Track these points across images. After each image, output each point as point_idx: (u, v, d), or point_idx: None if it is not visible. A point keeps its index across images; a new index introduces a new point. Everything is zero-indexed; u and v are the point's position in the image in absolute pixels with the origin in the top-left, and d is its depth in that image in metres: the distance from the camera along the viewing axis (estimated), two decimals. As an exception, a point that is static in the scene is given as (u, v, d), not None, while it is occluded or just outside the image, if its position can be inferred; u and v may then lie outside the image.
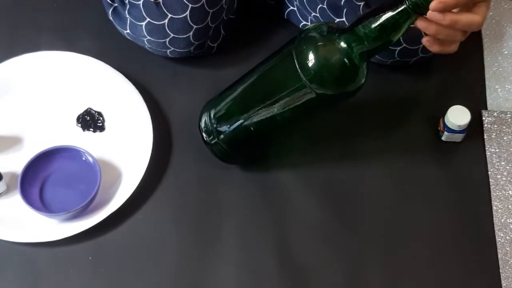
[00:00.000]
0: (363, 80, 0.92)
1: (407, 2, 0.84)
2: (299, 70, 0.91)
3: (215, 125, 1.02)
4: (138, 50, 1.16)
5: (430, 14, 0.83)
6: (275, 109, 0.96)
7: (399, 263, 1.03)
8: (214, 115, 1.02)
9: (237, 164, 1.09)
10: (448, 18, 0.83)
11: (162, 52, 1.14)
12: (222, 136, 1.02)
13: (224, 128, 1.02)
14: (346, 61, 0.90)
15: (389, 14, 0.86)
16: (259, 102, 0.97)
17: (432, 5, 0.82)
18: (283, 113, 0.96)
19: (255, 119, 0.98)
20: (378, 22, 0.87)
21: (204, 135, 1.04)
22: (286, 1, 1.20)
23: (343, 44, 0.89)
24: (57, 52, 1.16)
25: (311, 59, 0.90)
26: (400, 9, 0.85)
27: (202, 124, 1.04)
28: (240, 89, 1.00)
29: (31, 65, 1.15)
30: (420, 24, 0.86)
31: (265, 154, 1.10)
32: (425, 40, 0.88)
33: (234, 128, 1.01)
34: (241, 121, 0.99)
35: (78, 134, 1.12)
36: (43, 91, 1.15)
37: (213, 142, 1.03)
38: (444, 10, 0.83)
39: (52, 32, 1.21)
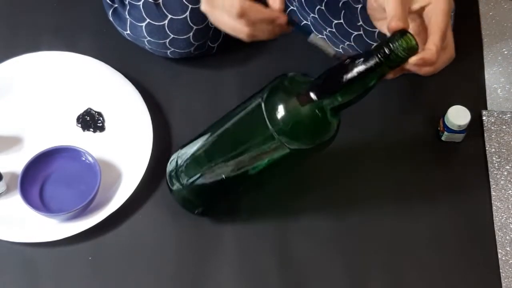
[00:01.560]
0: (333, 133, 0.88)
1: (379, 57, 0.80)
2: (268, 122, 0.86)
3: (181, 173, 0.98)
4: (138, 50, 1.16)
5: (409, 66, 0.82)
6: (242, 161, 0.92)
7: (399, 262, 1.03)
8: (182, 162, 0.98)
9: (204, 216, 1.05)
10: (425, 70, 0.83)
11: (162, 53, 1.14)
12: (187, 184, 0.98)
13: (191, 177, 0.97)
14: (317, 116, 0.86)
15: (360, 68, 0.82)
16: (227, 153, 0.93)
17: (412, 60, 0.81)
18: (251, 166, 0.92)
19: (222, 171, 0.94)
20: (348, 78, 0.82)
21: (169, 180, 1.01)
22: (286, 1, 1.20)
23: (314, 99, 0.85)
24: (57, 52, 1.16)
25: (281, 112, 0.85)
26: (372, 64, 0.81)
27: (169, 169, 1.01)
28: (209, 137, 0.96)
29: (31, 65, 1.15)
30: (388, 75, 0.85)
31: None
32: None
33: (201, 179, 0.96)
34: (209, 171, 0.95)
35: (78, 134, 1.12)
36: (43, 91, 1.15)
37: (176, 188, 1.00)
38: (425, 65, 0.82)
39: (52, 32, 1.21)
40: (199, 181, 0.97)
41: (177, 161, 0.99)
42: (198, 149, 0.97)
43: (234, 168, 0.93)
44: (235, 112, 0.93)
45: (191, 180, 0.97)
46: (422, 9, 0.86)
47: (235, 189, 0.98)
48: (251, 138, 0.90)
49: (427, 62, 0.82)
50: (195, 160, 0.97)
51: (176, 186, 1.00)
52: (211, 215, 1.05)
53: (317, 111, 0.86)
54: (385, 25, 0.82)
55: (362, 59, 0.82)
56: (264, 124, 0.87)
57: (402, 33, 0.80)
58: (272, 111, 0.86)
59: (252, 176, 0.93)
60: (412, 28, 0.84)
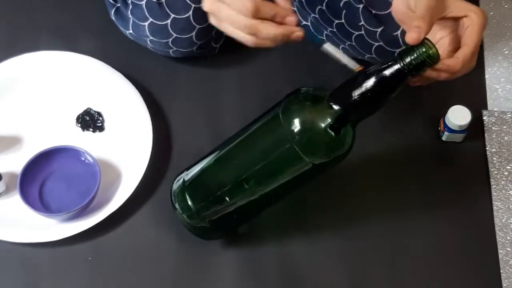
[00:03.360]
0: (349, 145, 0.87)
1: (403, 65, 0.79)
2: (288, 138, 0.85)
3: (189, 195, 0.96)
4: (138, 50, 1.16)
5: (430, 72, 0.83)
6: (257, 179, 0.90)
7: (399, 263, 1.03)
8: (188, 183, 0.96)
9: (212, 240, 1.03)
10: (444, 76, 0.84)
11: (165, 52, 1.14)
12: (198, 209, 0.95)
13: (200, 199, 0.95)
14: (336, 130, 0.84)
15: (382, 78, 0.81)
16: (242, 172, 0.91)
17: (438, 66, 0.82)
18: (266, 185, 0.90)
19: (238, 190, 0.92)
20: (370, 90, 0.81)
21: (174, 202, 0.98)
22: (286, 1, 1.19)
23: (332, 115, 0.84)
24: (56, 52, 1.16)
25: (299, 126, 0.84)
26: (395, 72, 0.80)
27: (174, 189, 0.98)
28: (219, 156, 0.93)
29: (31, 65, 1.15)
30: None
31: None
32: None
33: (213, 200, 0.94)
34: (220, 192, 0.93)
35: (77, 134, 1.11)
36: (43, 91, 1.14)
37: (185, 213, 0.97)
38: (447, 72, 0.84)
39: (52, 31, 1.21)
40: (209, 205, 0.95)
41: (184, 181, 0.97)
42: (207, 170, 0.95)
43: (247, 189, 0.91)
44: (249, 128, 0.91)
45: (199, 204, 0.95)
46: (456, 19, 0.87)
47: (246, 211, 0.95)
48: (269, 152, 0.88)
49: (451, 70, 0.83)
50: (204, 182, 0.96)
51: (182, 208, 0.97)
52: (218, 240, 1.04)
53: (336, 124, 0.84)
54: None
55: (381, 69, 0.81)
56: (283, 137, 0.85)
57: (422, 40, 0.80)
58: (290, 123, 0.85)
59: (264, 196, 0.92)
60: (441, 35, 0.87)
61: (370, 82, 0.81)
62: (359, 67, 0.85)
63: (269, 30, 0.84)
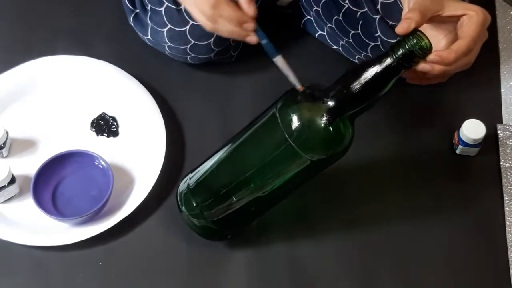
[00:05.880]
0: (348, 141, 0.87)
1: (395, 57, 0.81)
2: (284, 133, 0.85)
3: (193, 195, 0.96)
4: (154, 56, 1.17)
5: (423, 65, 0.84)
6: (257, 178, 0.91)
7: (409, 269, 1.03)
8: (192, 184, 0.97)
9: (218, 241, 1.03)
10: (438, 68, 0.85)
11: (183, 58, 1.14)
12: (202, 209, 0.96)
13: (204, 199, 0.96)
14: (332, 126, 0.85)
15: (376, 71, 0.81)
16: (242, 170, 0.91)
17: (429, 57, 0.83)
18: (266, 183, 0.91)
19: (236, 191, 0.92)
20: (363, 83, 0.82)
21: (180, 203, 0.99)
22: (303, 11, 1.20)
23: (328, 109, 0.84)
24: (73, 57, 1.17)
25: (296, 124, 0.85)
26: (387, 64, 0.81)
27: (180, 190, 0.99)
28: (222, 157, 0.94)
29: (47, 68, 1.15)
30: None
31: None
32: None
33: (216, 199, 0.95)
34: (222, 192, 0.93)
35: (92, 138, 1.12)
36: (58, 95, 1.15)
37: (190, 213, 0.98)
38: (439, 63, 0.84)
39: (69, 36, 1.22)
40: (212, 204, 0.96)
41: (188, 183, 0.98)
42: (209, 171, 0.95)
43: (248, 187, 0.92)
44: (248, 128, 0.92)
45: (203, 204, 0.96)
46: (456, 17, 0.88)
47: (249, 210, 0.96)
48: (268, 151, 0.89)
49: (443, 61, 0.84)
50: (207, 183, 0.96)
51: (187, 209, 0.98)
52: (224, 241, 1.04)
53: (331, 119, 0.85)
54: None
55: (374, 62, 0.82)
56: (281, 135, 0.86)
57: (414, 32, 0.81)
58: (287, 121, 0.85)
59: (266, 195, 0.92)
60: (446, 41, 0.89)
61: (363, 74, 0.82)
62: (301, 87, 0.87)
63: (224, 27, 0.92)
